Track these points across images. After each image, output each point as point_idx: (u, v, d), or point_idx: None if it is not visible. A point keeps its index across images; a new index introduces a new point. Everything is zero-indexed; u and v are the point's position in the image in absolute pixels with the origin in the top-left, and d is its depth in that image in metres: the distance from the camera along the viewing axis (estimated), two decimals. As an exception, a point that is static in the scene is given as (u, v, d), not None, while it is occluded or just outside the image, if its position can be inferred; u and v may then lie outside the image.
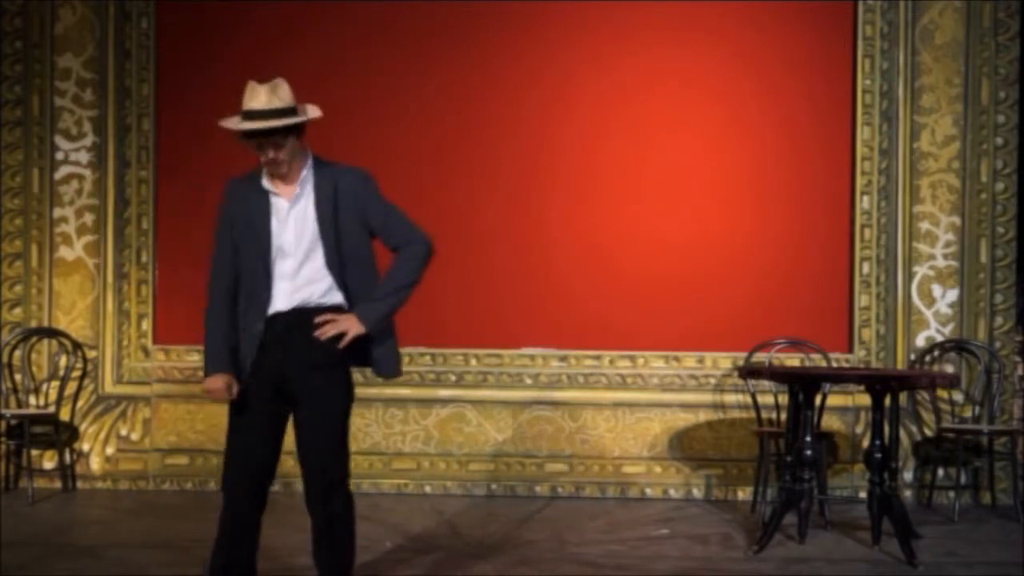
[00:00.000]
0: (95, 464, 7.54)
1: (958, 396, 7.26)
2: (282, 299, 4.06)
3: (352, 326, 4.01)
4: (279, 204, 4.09)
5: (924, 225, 7.38)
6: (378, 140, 7.35)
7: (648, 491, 7.41)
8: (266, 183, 4.10)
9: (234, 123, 4.02)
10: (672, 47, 7.47)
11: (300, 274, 4.07)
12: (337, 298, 4.09)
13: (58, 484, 7.38)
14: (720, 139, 7.48)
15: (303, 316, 4.05)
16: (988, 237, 7.35)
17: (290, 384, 4.06)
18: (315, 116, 4.12)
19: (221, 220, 4.15)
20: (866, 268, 7.38)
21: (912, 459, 7.32)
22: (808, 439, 5.80)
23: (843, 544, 5.96)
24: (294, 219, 4.07)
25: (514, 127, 7.51)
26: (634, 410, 7.44)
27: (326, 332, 3.99)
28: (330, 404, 4.09)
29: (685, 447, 7.42)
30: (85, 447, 7.54)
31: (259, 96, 3.99)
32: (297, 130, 4.05)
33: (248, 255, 4.08)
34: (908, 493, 7.19)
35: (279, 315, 4.06)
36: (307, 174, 4.10)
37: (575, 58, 7.49)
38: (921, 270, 7.38)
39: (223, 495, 4.09)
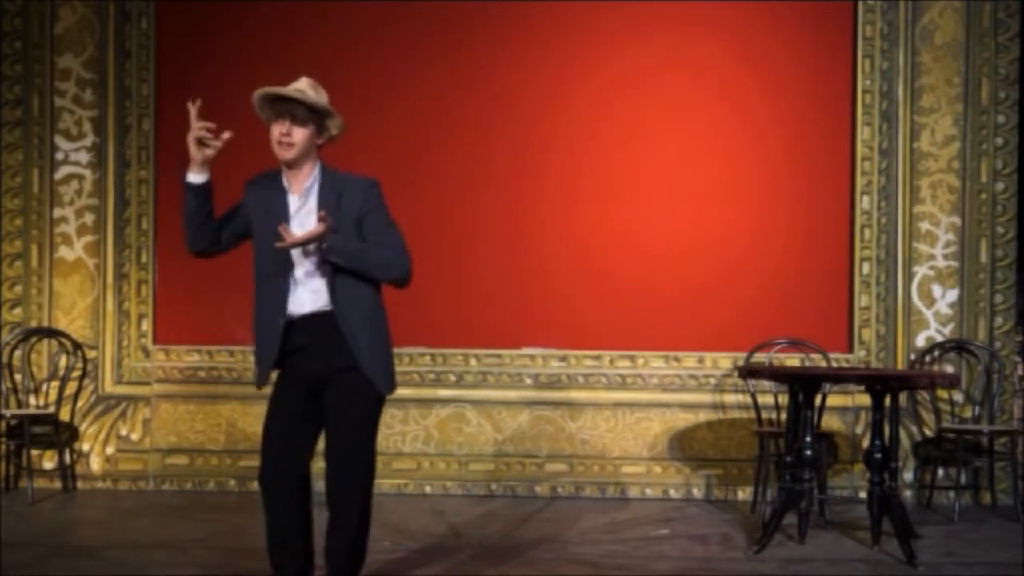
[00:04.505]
0: (95, 464, 7.54)
1: (958, 396, 7.26)
2: (305, 298, 4.13)
3: (321, 232, 4.02)
4: (292, 201, 4.18)
5: (924, 225, 7.38)
6: (379, 140, 7.34)
7: (648, 491, 7.41)
8: (285, 181, 4.18)
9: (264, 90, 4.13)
10: (671, 46, 7.47)
11: (314, 273, 4.13)
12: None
13: (58, 484, 7.38)
14: (720, 139, 7.47)
15: (325, 320, 4.12)
16: (988, 237, 7.35)
17: (321, 386, 4.15)
18: (336, 130, 4.23)
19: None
20: (866, 268, 7.38)
21: (912, 459, 7.32)
22: (808, 439, 5.80)
23: (843, 544, 5.96)
24: (298, 223, 4.13)
25: (514, 127, 7.50)
26: (634, 410, 7.44)
27: (296, 239, 4.01)
28: (354, 406, 4.15)
29: (685, 447, 7.43)
30: (85, 447, 7.55)
31: (299, 83, 4.18)
32: (317, 123, 4.15)
33: (266, 248, 4.13)
34: (908, 493, 7.19)
35: (303, 317, 4.13)
36: (314, 179, 4.19)
37: (573, 55, 7.49)
38: (921, 270, 7.38)
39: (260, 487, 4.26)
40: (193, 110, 4.10)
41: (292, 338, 4.17)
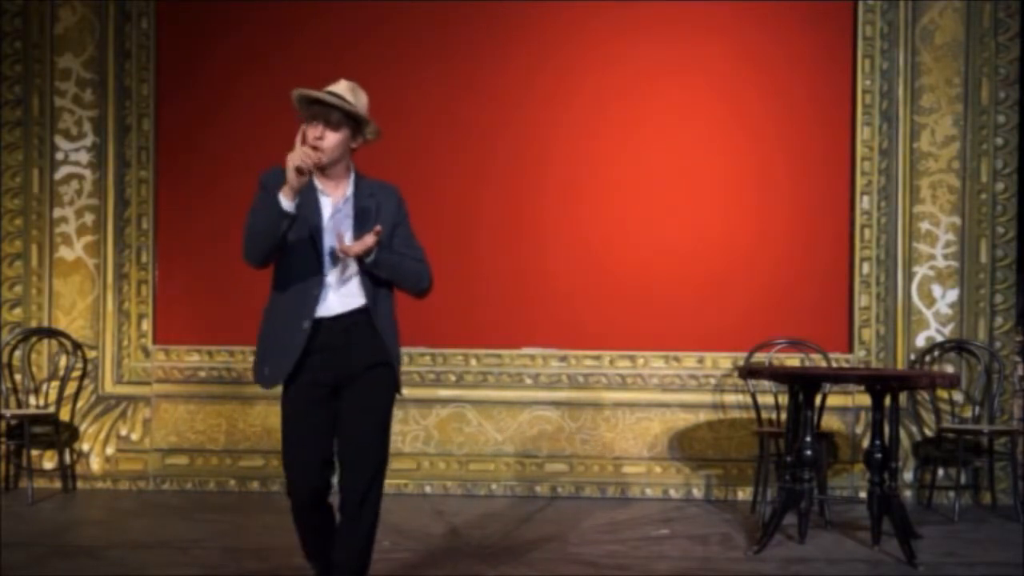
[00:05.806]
0: (95, 464, 7.54)
1: (958, 396, 7.26)
2: (335, 301, 4.09)
3: (373, 245, 4.01)
4: (326, 204, 4.11)
5: (924, 225, 7.38)
6: (378, 140, 7.32)
7: (648, 491, 7.41)
8: (317, 183, 4.12)
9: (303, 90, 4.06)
10: (671, 47, 7.47)
11: (348, 277, 4.10)
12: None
13: (58, 484, 7.38)
14: (720, 139, 7.47)
15: (358, 317, 4.09)
16: (988, 237, 7.35)
17: (339, 385, 4.11)
18: (372, 136, 4.20)
19: (261, 195, 4.08)
20: (866, 268, 7.38)
21: (912, 459, 7.32)
22: (808, 439, 5.80)
23: (843, 544, 5.96)
24: (332, 227, 4.09)
25: (514, 126, 7.50)
26: (634, 410, 7.44)
27: (354, 250, 3.98)
28: (380, 401, 4.15)
29: (685, 447, 7.43)
30: (85, 447, 7.55)
31: (338, 86, 4.13)
32: (353, 128, 4.11)
33: (297, 247, 4.07)
34: (908, 493, 7.19)
35: (331, 318, 4.09)
36: (350, 184, 4.15)
37: (573, 56, 7.49)
38: (921, 270, 7.38)
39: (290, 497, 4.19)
40: (307, 136, 3.91)
41: (314, 339, 4.10)
